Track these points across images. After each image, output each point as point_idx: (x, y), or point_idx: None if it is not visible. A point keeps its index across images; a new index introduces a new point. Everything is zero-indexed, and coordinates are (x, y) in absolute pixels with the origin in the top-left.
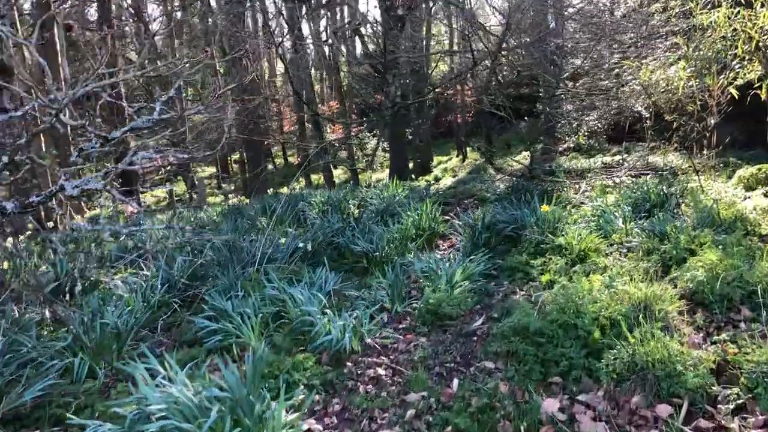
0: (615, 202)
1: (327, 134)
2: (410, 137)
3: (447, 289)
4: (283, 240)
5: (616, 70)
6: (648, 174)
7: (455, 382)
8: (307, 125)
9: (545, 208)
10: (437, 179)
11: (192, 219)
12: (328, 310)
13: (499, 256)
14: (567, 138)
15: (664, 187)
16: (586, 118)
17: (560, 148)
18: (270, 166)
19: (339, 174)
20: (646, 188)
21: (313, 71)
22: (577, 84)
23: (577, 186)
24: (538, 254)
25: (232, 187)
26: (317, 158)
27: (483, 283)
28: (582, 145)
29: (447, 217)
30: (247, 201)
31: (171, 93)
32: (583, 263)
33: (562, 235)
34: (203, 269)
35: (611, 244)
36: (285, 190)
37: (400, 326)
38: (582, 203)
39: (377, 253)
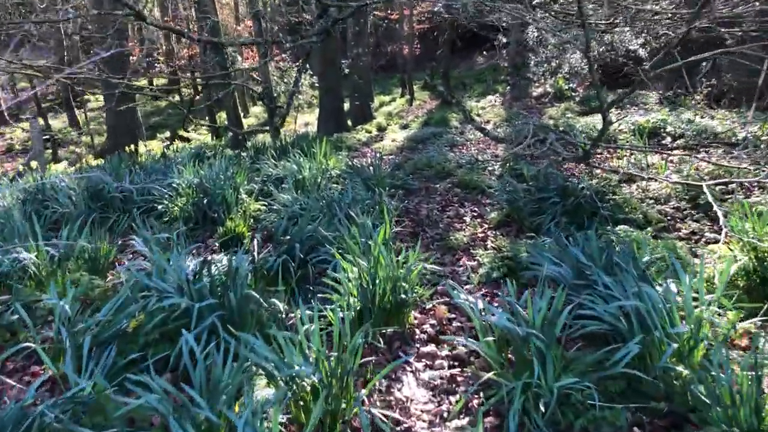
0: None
1: (238, 62)
2: (346, 70)
3: None
4: None
5: None
6: (718, 147)
7: None
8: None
9: None
10: (381, 129)
11: None
12: None
13: None
14: (543, 80)
15: None
16: (568, 56)
17: (534, 94)
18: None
19: (259, 113)
20: None
21: None
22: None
23: (644, 179)
24: None
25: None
26: (217, 93)
27: None
28: (563, 92)
29: (433, 266)
30: (99, 162)
31: None
32: None
33: None
34: None
35: None
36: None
37: None
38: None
39: None
